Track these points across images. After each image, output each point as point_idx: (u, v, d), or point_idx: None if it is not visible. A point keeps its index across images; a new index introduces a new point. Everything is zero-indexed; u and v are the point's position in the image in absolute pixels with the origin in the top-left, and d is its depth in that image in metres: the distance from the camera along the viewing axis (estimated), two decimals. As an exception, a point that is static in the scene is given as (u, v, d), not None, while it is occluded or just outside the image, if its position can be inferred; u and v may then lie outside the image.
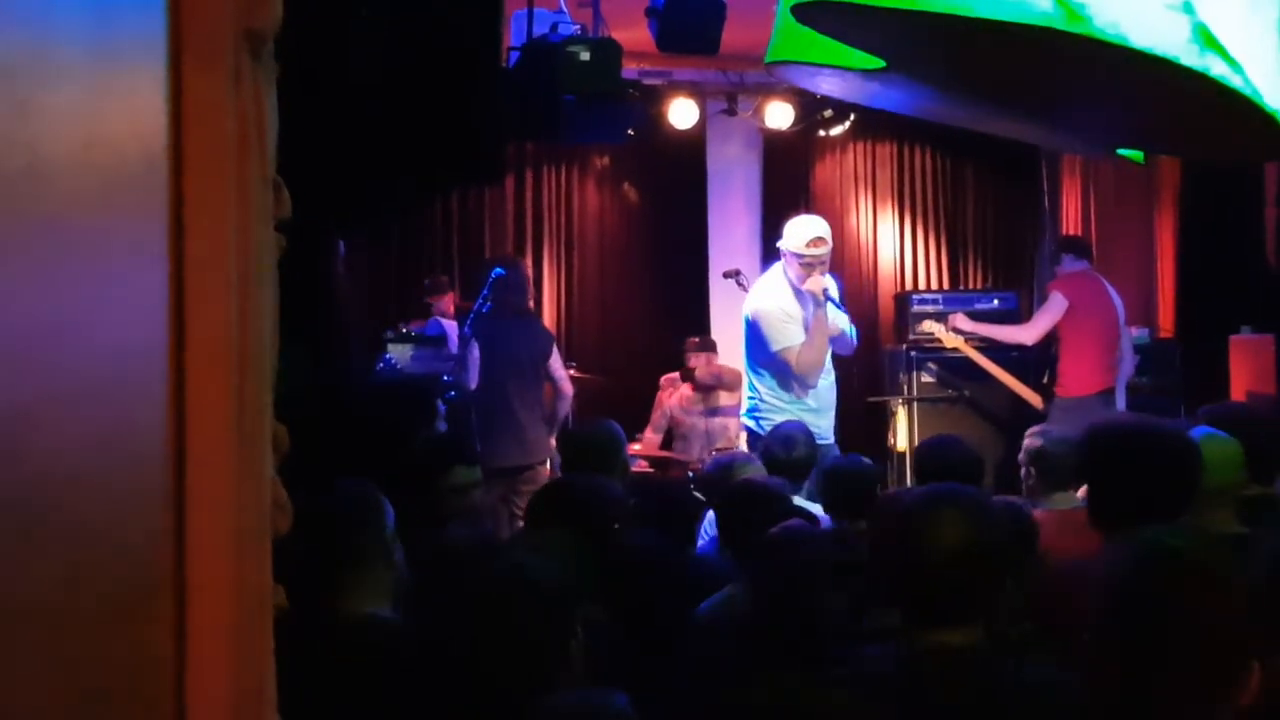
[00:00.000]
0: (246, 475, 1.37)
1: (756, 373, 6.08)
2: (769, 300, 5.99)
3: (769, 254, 9.52)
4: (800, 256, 5.94)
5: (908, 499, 2.57)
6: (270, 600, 1.45)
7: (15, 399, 0.96)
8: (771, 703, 1.89)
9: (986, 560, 2.30)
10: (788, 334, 5.92)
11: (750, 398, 6.11)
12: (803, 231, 6.01)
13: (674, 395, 8.04)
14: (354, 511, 2.82)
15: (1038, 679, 2.32)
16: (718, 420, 7.85)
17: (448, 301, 8.11)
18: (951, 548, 2.27)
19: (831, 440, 6.05)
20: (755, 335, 6.02)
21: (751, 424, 6.07)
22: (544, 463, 6.59)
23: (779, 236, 6.19)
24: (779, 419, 5.76)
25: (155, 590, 1.26)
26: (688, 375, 8.00)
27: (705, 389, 7.91)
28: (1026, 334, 7.50)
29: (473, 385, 6.36)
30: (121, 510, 1.18)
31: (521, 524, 4.19)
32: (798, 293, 5.99)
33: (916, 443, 7.98)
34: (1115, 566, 1.91)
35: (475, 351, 6.42)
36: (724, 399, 7.87)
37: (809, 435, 5.13)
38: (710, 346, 8.08)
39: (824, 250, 5.97)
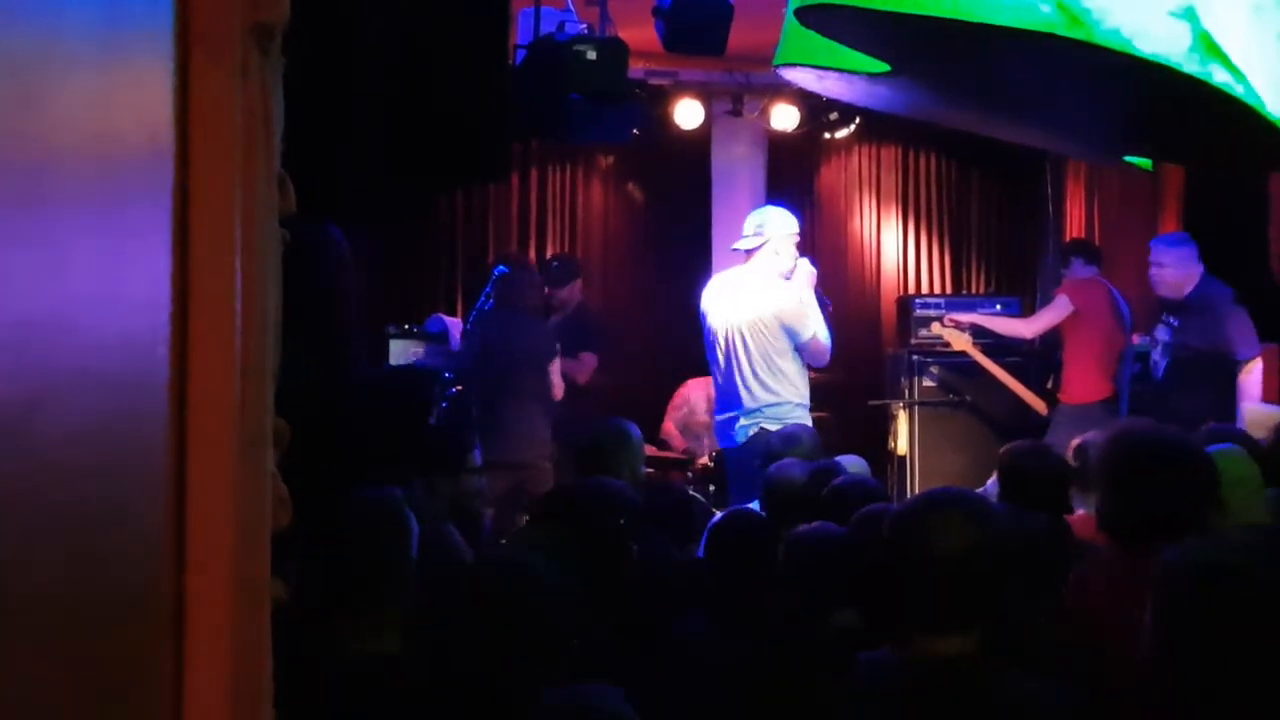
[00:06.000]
0: (247, 469, 1.38)
1: (779, 372, 6.03)
2: (786, 291, 6.05)
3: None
4: (796, 237, 6.18)
5: (903, 504, 2.56)
6: (268, 593, 1.46)
7: (19, 390, 0.97)
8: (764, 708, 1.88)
9: (987, 566, 2.29)
10: (815, 320, 6.01)
11: (773, 401, 5.99)
12: (787, 216, 6.25)
13: (698, 390, 8.00)
14: (379, 534, 2.55)
15: (1032, 690, 2.31)
16: None
17: (576, 289, 7.88)
18: (951, 553, 2.25)
19: None
20: (781, 331, 5.99)
21: (776, 428, 5.98)
22: (546, 459, 6.58)
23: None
24: (805, 419, 5.88)
25: (155, 582, 1.27)
26: None
27: None
28: (1026, 328, 7.52)
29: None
30: (122, 502, 1.19)
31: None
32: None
33: (918, 447, 7.98)
34: (1173, 582, 1.88)
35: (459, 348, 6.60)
36: None
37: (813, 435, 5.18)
38: None
39: None
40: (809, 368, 6.16)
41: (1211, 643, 1.78)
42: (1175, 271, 6.43)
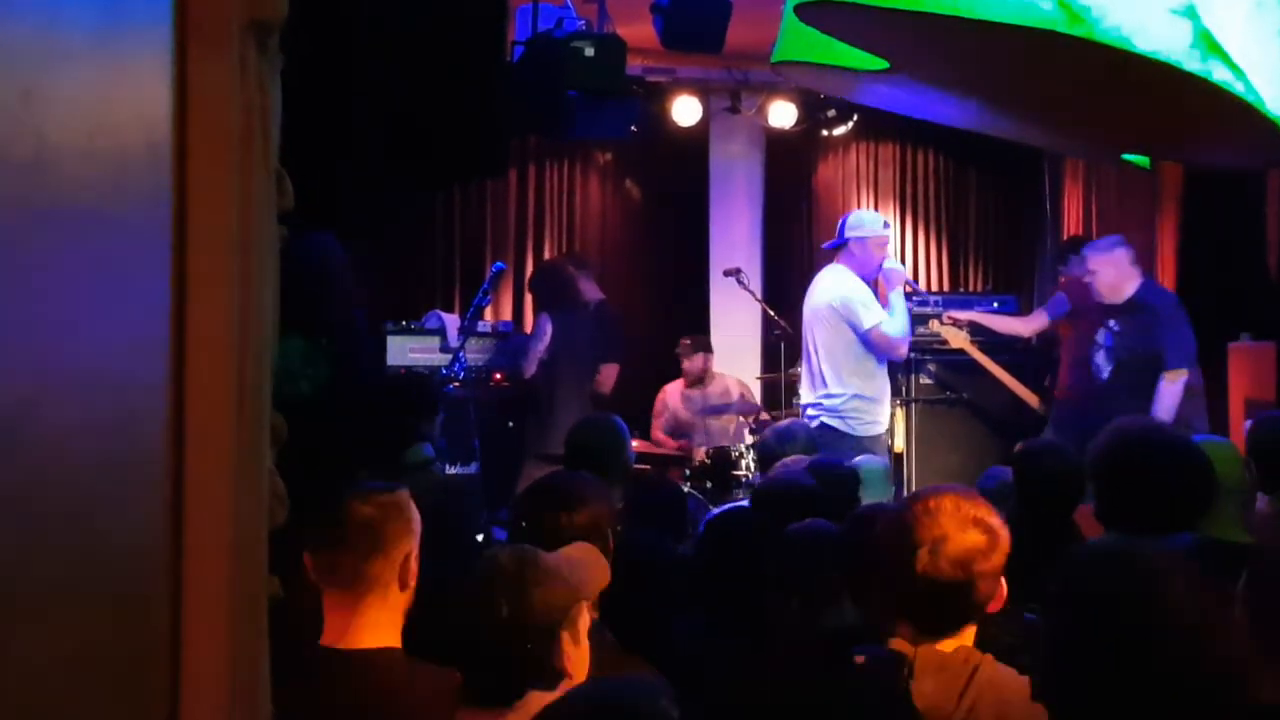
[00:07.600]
0: (244, 466, 1.38)
1: (837, 364, 6.13)
2: (850, 284, 6.16)
3: (770, 252, 9.53)
4: (883, 238, 6.32)
5: (899, 502, 2.56)
6: (265, 590, 1.46)
7: (17, 388, 0.97)
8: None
9: (983, 565, 2.27)
10: (875, 311, 6.13)
11: (833, 396, 6.13)
12: (876, 216, 6.53)
13: (674, 394, 8.06)
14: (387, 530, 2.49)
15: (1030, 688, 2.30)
16: (717, 421, 7.87)
17: (593, 286, 7.94)
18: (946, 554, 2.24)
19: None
20: (841, 322, 6.13)
21: (837, 423, 6.10)
22: None
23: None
24: (868, 413, 6.06)
25: (153, 578, 1.26)
26: (694, 383, 7.99)
27: (696, 380, 7.96)
28: (1024, 326, 7.55)
29: (529, 374, 6.95)
30: (121, 499, 1.19)
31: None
32: (865, 281, 6.24)
33: (915, 444, 7.98)
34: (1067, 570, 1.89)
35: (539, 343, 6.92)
36: (720, 398, 7.88)
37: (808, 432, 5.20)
38: (706, 346, 8.09)
39: None
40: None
41: (1087, 645, 1.77)
42: (1110, 274, 6.41)
